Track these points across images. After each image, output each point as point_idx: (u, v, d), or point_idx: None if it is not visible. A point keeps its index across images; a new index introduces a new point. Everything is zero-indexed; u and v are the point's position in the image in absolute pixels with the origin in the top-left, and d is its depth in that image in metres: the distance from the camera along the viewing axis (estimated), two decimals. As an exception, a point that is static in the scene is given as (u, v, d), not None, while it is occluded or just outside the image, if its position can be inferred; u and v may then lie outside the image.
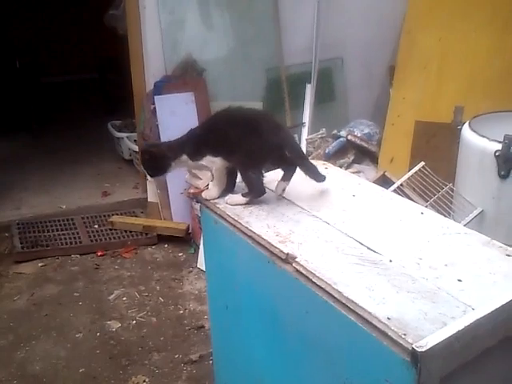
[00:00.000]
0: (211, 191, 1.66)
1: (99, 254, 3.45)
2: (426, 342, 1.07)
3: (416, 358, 1.06)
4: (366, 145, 3.78)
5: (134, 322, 2.90)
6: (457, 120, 2.70)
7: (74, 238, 3.54)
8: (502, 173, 2.37)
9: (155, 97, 3.53)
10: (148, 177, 1.76)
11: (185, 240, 3.55)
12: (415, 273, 1.29)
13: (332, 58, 4.16)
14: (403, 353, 1.09)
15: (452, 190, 2.66)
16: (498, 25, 3.04)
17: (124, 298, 3.08)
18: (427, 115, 3.09)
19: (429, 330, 1.10)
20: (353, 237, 1.44)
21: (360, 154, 3.73)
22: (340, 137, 3.80)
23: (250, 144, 1.56)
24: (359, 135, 3.85)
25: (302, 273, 1.32)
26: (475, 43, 3.09)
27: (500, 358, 1.28)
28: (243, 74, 3.88)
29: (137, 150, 4.09)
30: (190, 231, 3.55)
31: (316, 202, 1.61)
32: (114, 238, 3.56)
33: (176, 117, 3.57)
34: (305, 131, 3.92)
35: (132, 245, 3.52)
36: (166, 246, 3.56)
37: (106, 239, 3.54)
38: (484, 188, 2.46)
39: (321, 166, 1.82)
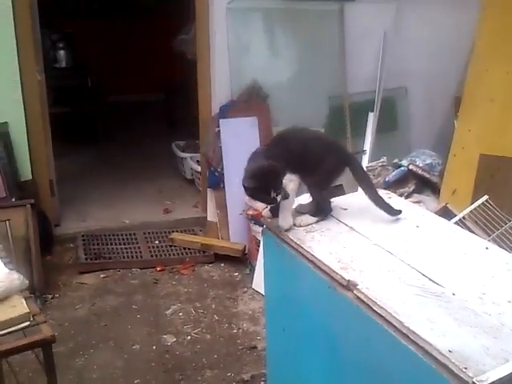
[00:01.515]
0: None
1: (158, 269, 3.54)
2: (486, 376, 1.08)
3: (475, 391, 1.07)
4: (427, 175, 3.76)
5: (189, 337, 2.97)
6: (521, 155, 2.67)
7: (136, 252, 3.65)
8: None
9: (220, 120, 3.63)
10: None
11: (241, 260, 3.60)
12: (478, 307, 1.30)
13: (396, 88, 4.18)
14: (462, 385, 1.10)
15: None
16: None
17: (180, 314, 3.15)
18: (492, 149, 3.07)
19: (490, 365, 1.11)
20: (415, 268, 1.45)
21: (420, 185, 3.71)
22: (401, 166, 3.79)
23: (328, 165, 1.61)
24: (421, 165, 3.83)
25: (363, 300, 1.35)
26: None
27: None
28: (306, 100, 3.93)
29: (199, 170, 4.20)
30: (246, 252, 3.61)
31: (378, 230, 1.64)
32: (173, 254, 3.65)
33: (239, 140, 3.66)
34: (365, 159, 3.93)
35: (190, 262, 3.60)
36: (222, 265, 3.63)
37: (165, 255, 3.64)
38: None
39: (383, 194, 1.85)
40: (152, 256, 3.62)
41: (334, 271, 1.45)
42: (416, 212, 1.80)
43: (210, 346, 2.91)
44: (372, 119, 4.01)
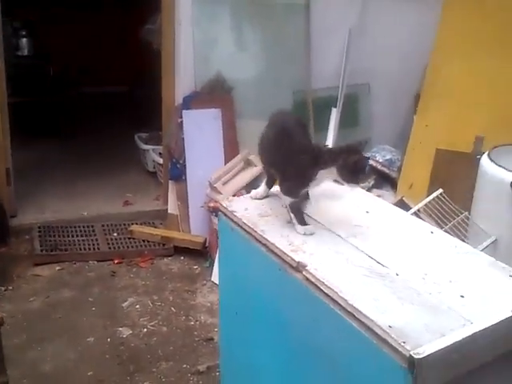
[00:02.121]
0: None
1: (116, 261, 3.50)
2: (423, 349, 1.09)
3: (413, 364, 1.08)
4: (387, 170, 3.82)
5: (145, 329, 2.94)
6: (477, 150, 2.73)
7: (93, 244, 3.60)
8: (519, 203, 2.38)
9: (183, 111, 3.62)
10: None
11: (201, 253, 3.59)
12: (420, 287, 1.31)
13: (359, 84, 4.21)
14: (401, 360, 1.11)
15: (468, 218, 2.67)
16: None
17: (137, 306, 3.13)
18: (448, 143, 3.12)
19: (428, 340, 1.12)
20: (363, 250, 1.46)
21: (380, 180, 3.76)
22: (361, 161, 3.83)
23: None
24: (381, 161, 3.89)
25: (311, 281, 1.35)
26: (498, 76, 3.12)
27: (500, 374, 1.29)
28: (270, 94, 3.93)
29: (161, 162, 4.17)
30: (207, 245, 3.60)
31: (330, 216, 1.64)
32: (132, 246, 3.62)
33: (202, 132, 3.66)
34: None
35: (149, 255, 3.58)
36: (182, 258, 3.61)
37: (123, 247, 3.61)
38: (499, 217, 2.48)
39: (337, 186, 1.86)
40: (110, 248, 3.59)
41: (285, 253, 1.45)
42: (367, 199, 1.81)
43: (166, 338, 2.89)
44: (335, 115, 4.03)
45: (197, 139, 3.63)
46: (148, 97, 4.70)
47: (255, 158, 3.58)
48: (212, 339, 2.85)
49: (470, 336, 1.15)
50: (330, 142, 4.00)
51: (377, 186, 3.60)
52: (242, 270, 1.67)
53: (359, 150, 1.52)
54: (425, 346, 1.11)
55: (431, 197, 2.85)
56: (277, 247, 1.47)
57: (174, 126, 3.67)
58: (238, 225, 1.62)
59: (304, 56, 3.99)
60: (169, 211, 3.86)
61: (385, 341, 1.15)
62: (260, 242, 1.53)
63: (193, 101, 3.66)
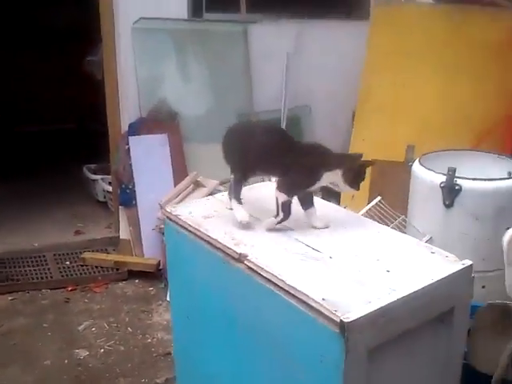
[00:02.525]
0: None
1: (70, 288, 3.53)
2: (352, 315, 1.23)
3: (343, 328, 1.21)
4: (331, 185, 3.98)
5: (102, 350, 2.98)
6: (408, 157, 2.92)
7: (45, 273, 3.62)
8: (447, 202, 2.57)
9: (130, 137, 3.72)
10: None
11: (156, 276, 3.65)
12: (350, 266, 1.45)
13: (300, 106, 4.41)
14: (334, 326, 1.24)
15: (405, 221, 2.85)
16: (445, 70, 3.32)
17: (93, 329, 3.16)
18: (384, 154, 3.29)
19: (356, 307, 1.26)
20: (301, 241, 1.60)
21: (326, 194, 3.91)
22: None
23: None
24: (324, 177, 4.06)
25: (252, 269, 1.47)
26: (426, 89, 3.36)
27: (425, 340, 1.44)
28: (216, 118, 4.07)
29: (111, 190, 4.24)
30: (161, 267, 3.67)
31: (271, 213, 1.77)
32: (85, 273, 3.66)
33: (150, 157, 3.76)
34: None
35: (103, 280, 3.62)
36: (136, 281, 3.67)
37: (76, 275, 3.64)
38: (432, 217, 2.65)
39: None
40: (63, 276, 3.61)
41: (228, 247, 1.57)
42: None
43: (123, 357, 2.94)
44: (278, 136, 4.19)
45: (145, 164, 3.73)
46: (96, 130, 4.78)
47: (204, 179, 3.70)
48: (170, 354, 2.90)
49: (394, 302, 1.29)
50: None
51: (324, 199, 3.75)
52: (190, 270, 1.77)
53: (361, 157, 1.69)
54: (353, 311, 1.24)
55: (371, 204, 3.02)
56: (220, 242, 1.59)
57: (122, 153, 3.77)
58: (184, 227, 1.73)
59: (245, 81, 4.16)
60: (121, 237, 3.92)
61: (319, 312, 1.28)
62: (204, 239, 1.64)
63: (139, 127, 3.77)
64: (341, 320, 1.21)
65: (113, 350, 2.99)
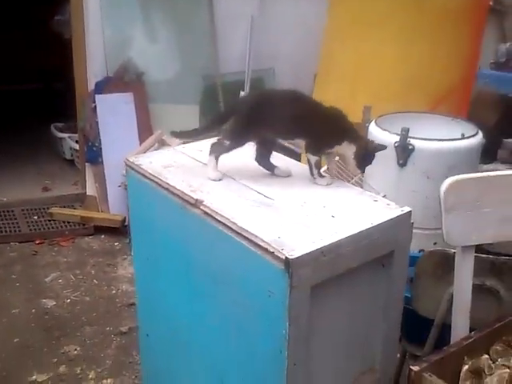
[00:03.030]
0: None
1: (37, 242, 3.62)
2: (296, 252, 1.34)
3: (288, 264, 1.33)
4: (292, 146, 4.09)
5: (69, 300, 3.10)
6: (365, 118, 3.03)
7: (14, 227, 3.71)
8: (401, 161, 2.71)
9: (96, 95, 3.77)
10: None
11: (121, 231, 3.76)
12: (298, 211, 1.56)
13: (264, 69, 4.48)
14: (280, 263, 1.35)
15: (361, 180, 2.98)
16: (404, 37, 3.43)
17: (60, 280, 3.27)
18: (344, 117, 3.41)
19: (301, 246, 1.37)
20: (253, 188, 1.70)
21: (287, 154, 4.03)
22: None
23: None
24: (287, 138, 4.17)
25: (207, 213, 1.58)
26: (384, 54, 3.46)
27: (366, 281, 1.56)
28: (181, 79, 4.15)
29: (78, 148, 4.28)
30: (126, 223, 3.76)
31: (228, 164, 1.87)
32: (53, 227, 3.75)
33: (115, 115, 3.82)
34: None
35: (70, 235, 3.71)
36: (102, 236, 3.77)
37: (44, 229, 3.72)
38: (386, 176, 2.78)
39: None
40: (31, 230, 3.70)
41: (185, 193, 1.66)
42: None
43: (89, 306, 3.06)
44: (243, 97, 4.28)
45: (111, 122, 3.79)
46: (64, 90, 4.79)
47: (168, 138, 3.77)
48: (133, 304, 3.03)
49: (335, 242, 1.41)
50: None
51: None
52: (150, 217, 1.86)
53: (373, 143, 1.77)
54: (298, 250, 1.36)
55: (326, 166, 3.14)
56: (178, 189, 1.68)
57: (88, 111, 3.82)
58: (144, 176, 1.81)
59: (211, 42, 4.21)
60: (87, 193, 4.00)
61: (267, 251, 1.39)
62: (163, 187, 1.73)
63: (105, 86, 3.83)
64: (286, 257, 1.33)
65: (79, 300, 3.10)
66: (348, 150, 1.73)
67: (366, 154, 1.73)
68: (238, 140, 1.77)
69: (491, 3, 4.06)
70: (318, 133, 1.73)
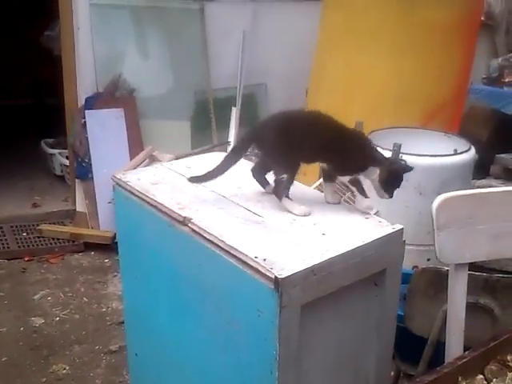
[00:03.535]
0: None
1: (26, 259, 3.57)
2: (286, 271, 1.31)
3: (278, 283, 1.30)
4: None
5: (58, 318, 3.05)
6: (358, 133, 3.02)
7: (2, 243, 3.66)
8: (393, 176, 2.68)
9: (86, 111, 3.74)
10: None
11: (111, 248, 3.70)
12: (288, 229, 1.54)
13: (256, 84, 4.48)
14: (269, 282, 1.32)
15: (353, 195, 2.96)
16: (396, 52, 3.43)
17: (49, 298, 3.22)
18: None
19: (291, 265, 1.35)
20: (242, 206, 1.68)
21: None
22: (262, 155, 4.10)
23: None
24: (280, 154, 4.16)
25: (195, 231, 1.55)
26: (377, 68, 3.45)
27: (358, 300, 1.54)
28: (172, 94, 4.14)
29: (68, 164, 4.25)
30: (116, 240, 3.70)
31: (216, 181, 1.84)
32: (42, 244, 3.70)
33: (106, 131, 3.79)
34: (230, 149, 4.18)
35: (59, 252, 3.67)
36: (92, 253, 3.72)
37: (33, 246, 3.68)
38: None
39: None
40: (20, 247, 3.65)
41: (173, 211, 1.63)
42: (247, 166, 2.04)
43: (78, 325, 3.01)
44: (235, 113, 4.27)
45: (101, 138, 3.77)
46: (54, 105, 4.76)
47: (159, 153, 3.75)
48: (123, 322, 2.95)
49: (326, 260, 1.39)
50: (231, 140, 4.24)
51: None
52: (138, 234, 1.83)
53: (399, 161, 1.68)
54: (288, 269, 1.33)
55: (321, 180, 3.12)
56: (166, 207, 1.65)
57: (78, 127, 3.79)
58: (132, 193, 1.79)
59: (202, 58, 4.21)
60: (77, 209, 3.96)
61: (256, 270, 1.36)
62: (151, 204, 1.70)
63: (95, 101, 3.80)
64: (275, 276, 1.30)
65: (68, 318, 3.05)
66: (371, 175, 1.63)
67: (393, 176, 1.62)
68: (290, 169, 1.66)
69: (483, 18, 4.08)
70: (344, 157, 1.64)
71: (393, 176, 1.62)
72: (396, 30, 3.43)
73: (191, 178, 1.69)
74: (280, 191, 1.65)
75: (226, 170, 1.69)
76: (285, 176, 1.65)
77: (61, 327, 2.97)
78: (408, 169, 1.68)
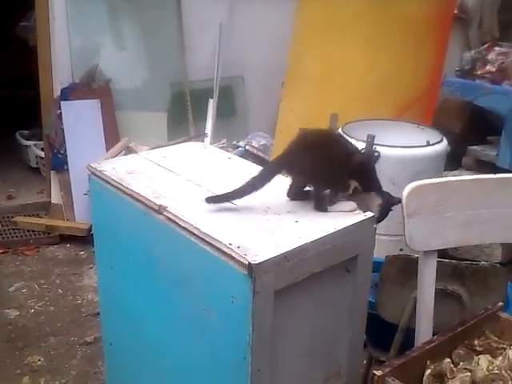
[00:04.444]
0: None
1: (1, 251, 3.55)
2: (260, 257, 1.33)
3: (251, 269, 1.32)
4: (262, 154, 4.12)
5: (33, 310, 3.04)
6: (332, 126, 3.05)
7: (-24, 236, 3.62)
8: (366, 167, 2.72)
9: (61, 102, 3.72)
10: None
11: (87, 240, 3.69)
12: (262, 217, 1.56)
13: (233, 76, 4.49)
14: (243, 268, 1.34)
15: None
16: (371, 45, 3.47)
17: (24, 290, 3.20)
18: (311, 124, 3.40)
19: (264, 251, 1.37)
20: (218, 194, 1.69)
21: (257, 162, 4.04)
22: (239, 147, 4.13)
23: None
24: (256, 146, 4.19)
25: (171, 219, 1.56)
26: (352, 60, 3.50)
27: (331, 286, 1.56)
28: (149, 86, 4.13)
29: (44, 156, 4.22)
30: (92, 231, 3.69)
31: (191, 170, 1.86)
32: (17, 236, 3.68)
33: (81, 122, 3.77)
34: (207, 141, 4.20)
35: (34, 244, 3.65)
36: (68, 245, 3.71)
37: (8, 238, 3.65)
38: (353, 182, 2.80)
39: (200, 146, 2.11)
40: (-6, 239, 3.62)
41: (149, 200, 1.64)
42: (223, 155, 2.08)
43: (53, 316, 3.00)
44: (212, 105, 4.28)
45: (77, 129, 3.75)
46: (29, 97, 4.72)
47: (135, 145, 3.75)
48: (99, 314, 2.95)
49: (299, 246, 1.41)
50: (208, 131, 4.25)
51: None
52: (113, 224, 1.84)
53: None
54: (261, 255, 1.35)
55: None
56: (141, 195, 1.66)
57: (54, 118, 3.77)
58: (107, 182, 1.79)
59: (179, 49, 4.20)
60: (52, 201, 3.93)
61: (230, 256, 1.38)
62: (127, 193, 1.71)
63: (71, 92, 3.78)
64: (249, 262, 1.32)
65: (43, 310, 3.04)
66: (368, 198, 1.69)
67: (388, 207, 1.70)
68: (335, 185, 1.66)
69: (456, 12, 4.14)
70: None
71: (389, 207, 1.70)
72: (371, 23, 3.48)
73: (208, 198, 1.61)
74: (324, 205, 1.63)
75: (244, 196, 1.62)
76: (328, 191, 1.64)
77: (36, 319, 2.96)
78: (399, 201, 1.73)
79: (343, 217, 1.58)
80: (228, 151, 4.21)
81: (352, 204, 1.64)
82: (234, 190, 1.61)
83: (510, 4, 4.28)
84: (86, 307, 3.08)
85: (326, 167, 1.62)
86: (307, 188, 1.69)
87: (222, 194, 1.62)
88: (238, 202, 1.63)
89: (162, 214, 1.60)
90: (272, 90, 4.54)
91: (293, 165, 1.67)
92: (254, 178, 1.63)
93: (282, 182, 1.82)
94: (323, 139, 1.74)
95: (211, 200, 1.61)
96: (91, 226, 3.68)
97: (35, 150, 4.50)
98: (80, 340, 2.82)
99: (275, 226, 1.51)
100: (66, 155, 3.75)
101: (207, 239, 1.44)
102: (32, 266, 3.45)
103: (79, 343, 2.80)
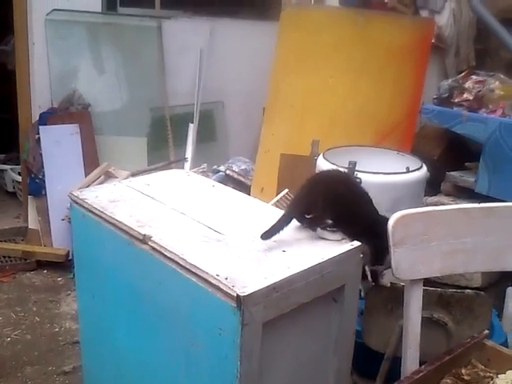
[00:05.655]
0: None
1: (-24, 278, 3.47)
2: (248, 289, 1.32)
3: (240, 301, 1.30)
4: (242, 179, 4.11)
5: (9, 339, 2.95)
6: (314, 152, 3.06)
7: (-49, 262, 3.54)
8: (348, 194, 2.72)
9: (40, 127, 3.68)
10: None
11: (65, 266, 3.63)
12: (250, 246, 1.55)
13: (213, 102, 4.50)
14: (231, 301, 1.33)
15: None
16: (352, 72, 3.52)
17: (-1, 318, 3.13)
18: (292, 149, 3.44)
19: (252, 282, 1.35)
20: (203, 223, 1.68)
21: (238, 188, 4.03)
22: (219, 171, 4.12)
23: None
24: (237, 170, 4.19)
25: (156, 249, 1.54)
26: (333, 88, 3.54)
27: (318, 316, 1.55)
28: (128, 111, 4.11)
29: (20, 180, 4.16)
30: (70, 257, 3.65)
31: (176, 198, 1.85)
32: (-7, 263, 3.60)
33: (60, 147, 3.73)
34: (187, 166, 4.18)
35: (10, 270, 3.57)
36: (45, 271, 3.63)
37: (-16, 264, 3.57)
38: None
39: (183, 173, 2.10)
40: (-31, 266, 3.54)
41: (133, 229, 1.62)
42: (207, 183, 2.06)
43: (30, 345, 2.92)
44: (192, 130, 4.28)
45: (55, 154, 3.70)
46: (6, 120, 4.66)
47: (115, 170, 3.72)
48: (77, 342, 2.89)
49: (287, 278, 1.40)
50: (189, 155, 4.24)
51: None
52: (95, 253, 1.81)
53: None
54: (249, 286, 1.34)
55: (278, 197, 3.16)
56: (125, 224, 1.64)
57: (32, 142, 3.72)
58: (89, 210, 1.77)
59: (159, 75, 4.20)
60: (29, 227, 3.86)
61: (218, 288, 1.36)
62: (110, 222, 1.69)
63: (50, 117, 3.74)
64: (237, 294, 1.31)
65: (20, 338, 2.97)
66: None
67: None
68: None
69: (433, 41, 4.21)
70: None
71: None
72: (351, 51, 3.52)
73: (263, 234, 1.58)
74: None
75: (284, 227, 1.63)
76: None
77: (12, 348, 2.88)
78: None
79: (330, 247, 1.58)
80: (208, 176, 4.23)
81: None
82: (280, 222, 1.61)
83: (486, 33, 4.36)
84: (64, 335, 3.01)
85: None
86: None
87: (273, 227, 1.60)
88: (220, 229, 1.62)
89: (146, 243, 1.58)
90: (252, 115, 4.56)
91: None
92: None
93: (268, 211, 1.83)
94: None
95: (266, 236, 1.57)
96: (69, 251, 3.64)
97: (12, 174, 4.43)
98: (58, 369, 2.75)
99: (263, 256, 1.50)
100: (44, 180, 3.70)
101: (194, 270, 1.43)
102: (8, 292, 3.37)
103: (57, 373, 2.73)
